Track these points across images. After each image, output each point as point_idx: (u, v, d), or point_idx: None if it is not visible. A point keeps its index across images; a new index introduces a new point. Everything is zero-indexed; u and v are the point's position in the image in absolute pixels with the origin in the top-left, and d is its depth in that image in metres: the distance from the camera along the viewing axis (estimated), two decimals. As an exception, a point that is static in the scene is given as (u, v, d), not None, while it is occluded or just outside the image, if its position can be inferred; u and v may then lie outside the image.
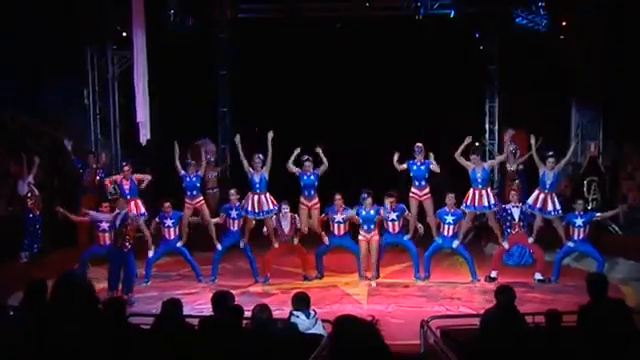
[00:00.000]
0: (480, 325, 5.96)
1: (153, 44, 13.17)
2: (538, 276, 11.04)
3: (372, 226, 11.07)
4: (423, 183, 11.44)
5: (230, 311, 5.80)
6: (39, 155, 11.89)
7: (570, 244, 10.98)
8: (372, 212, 11.04)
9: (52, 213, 11.62)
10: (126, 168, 12.05)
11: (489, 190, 11.24)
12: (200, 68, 15.57)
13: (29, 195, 11.48)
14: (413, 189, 11.53)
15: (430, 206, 11.44)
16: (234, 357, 4.81)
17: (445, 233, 11.19)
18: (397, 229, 11.28)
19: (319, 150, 11.33)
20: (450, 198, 11.14)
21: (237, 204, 11.37)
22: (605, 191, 13.55)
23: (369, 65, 15.82)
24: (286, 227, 11.23)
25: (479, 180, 11.08)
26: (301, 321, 6.26)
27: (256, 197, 11.11)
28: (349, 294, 10.46)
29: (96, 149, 14.47)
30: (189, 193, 11.58)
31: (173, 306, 6.06)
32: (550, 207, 10.96)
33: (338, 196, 11.27)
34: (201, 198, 11.82)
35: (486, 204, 11.08)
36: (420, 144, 11.41)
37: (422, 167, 11.35)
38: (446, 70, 15.32)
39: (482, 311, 6.30)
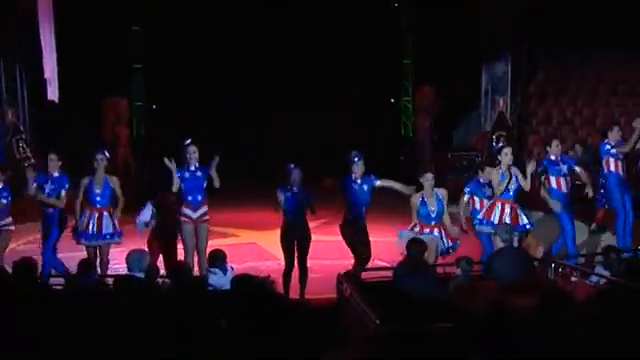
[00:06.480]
0: (393, 277, 6.23)
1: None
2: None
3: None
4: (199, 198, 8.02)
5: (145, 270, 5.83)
6: None
7: None
8: None
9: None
10: None
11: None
12: (112, 23, 15.06)
13: None
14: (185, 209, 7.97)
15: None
16: (150, 312, 4.84)
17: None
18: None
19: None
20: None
21: None
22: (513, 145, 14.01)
23: (282, 31, 15.66)
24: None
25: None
26: (218, 278, 6.34)
27: (96, 214, 7.98)
28: (268, 250, 10.54)
29: (0, 107, 13.78)
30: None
31: (89, 265, 6.05)
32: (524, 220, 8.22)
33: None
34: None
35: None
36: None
37: (198, 173, 7.92)
38: (362, 29, 15.38)
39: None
